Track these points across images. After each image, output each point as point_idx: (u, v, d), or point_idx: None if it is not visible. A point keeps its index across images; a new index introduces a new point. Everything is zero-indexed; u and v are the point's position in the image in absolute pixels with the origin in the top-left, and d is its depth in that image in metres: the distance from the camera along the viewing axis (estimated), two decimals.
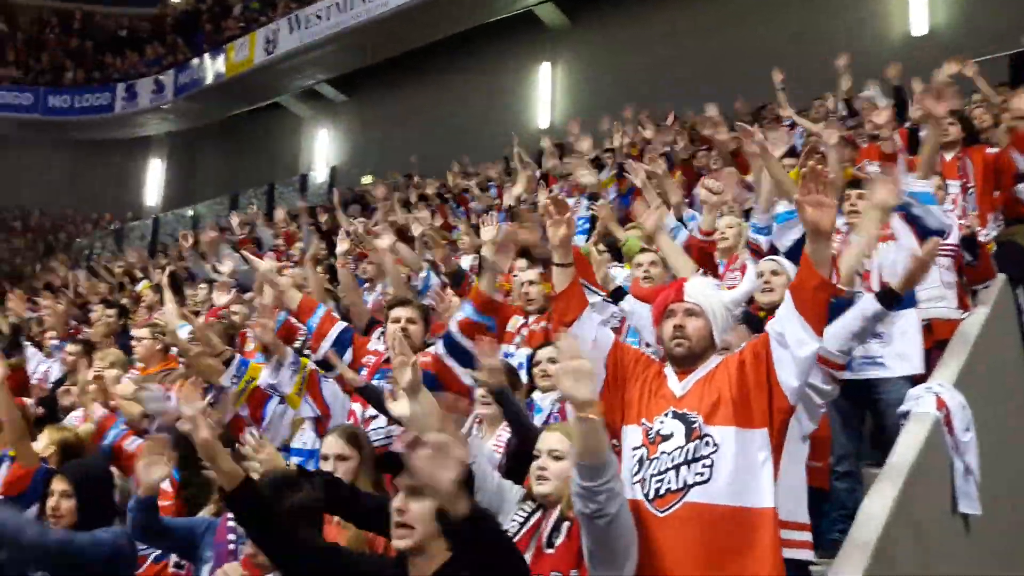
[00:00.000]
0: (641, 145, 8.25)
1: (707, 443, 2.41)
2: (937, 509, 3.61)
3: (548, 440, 2.66)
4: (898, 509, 2.99)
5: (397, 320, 4.14)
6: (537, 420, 3.68)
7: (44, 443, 4.08)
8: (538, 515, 2.61)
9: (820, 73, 8.78)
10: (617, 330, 4.49)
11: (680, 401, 2.53)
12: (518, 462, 3.11)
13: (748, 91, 10.07)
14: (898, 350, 4.05)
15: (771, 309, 3.54)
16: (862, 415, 4.21)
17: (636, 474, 2.47)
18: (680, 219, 5.80)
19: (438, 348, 4.06)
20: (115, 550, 3.15)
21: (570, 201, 7.23)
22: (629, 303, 4.26)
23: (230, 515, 3.13)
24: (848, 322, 3.28)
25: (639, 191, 6.12)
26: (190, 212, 22.68)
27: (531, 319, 4.65)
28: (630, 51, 15.84)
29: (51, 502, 3.25)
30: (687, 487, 2.38)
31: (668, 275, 4.52)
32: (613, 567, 2.30)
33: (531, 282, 4.67)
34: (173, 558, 3.60)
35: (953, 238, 4.80)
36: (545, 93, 17.62)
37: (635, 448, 2.52)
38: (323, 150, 22.20)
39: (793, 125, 8.16)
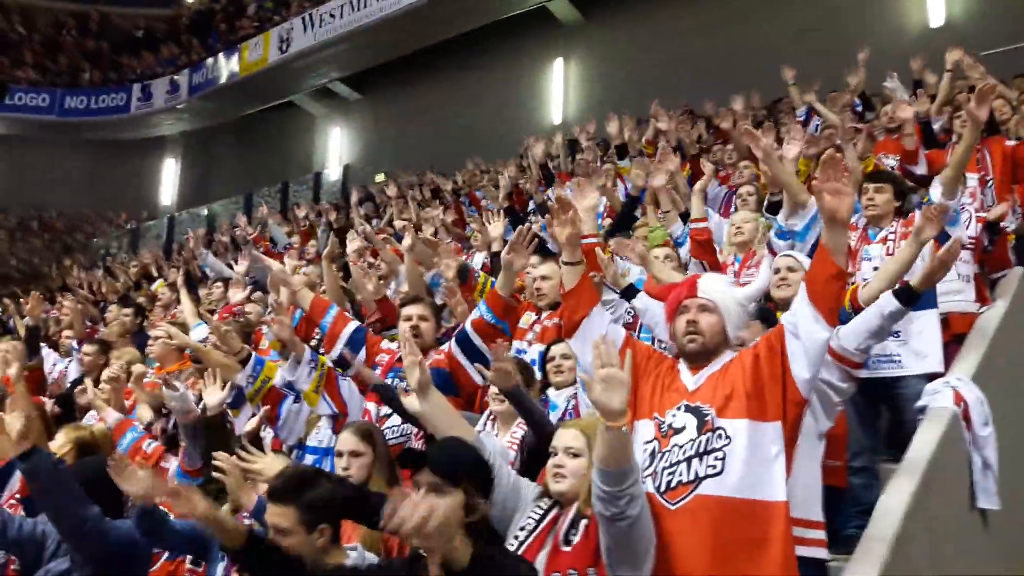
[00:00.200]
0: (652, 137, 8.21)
1: (720, 436, 2.40)
2: (955, 504, 3.58)
3: (564, 437, 2.62)
4: (916, 504, 2.97)
5: (408, 318, 4.14)
6: (552, 417, 3.66)
7: (61, 441, 4.09)
8: (554, 512, 2.56)
9: (836, 67, 8.70)
10: (630, 326, 4.47)
11: (693, 395, 2.52)
12: (533, 459, 3.10)
13: (762, 87, 10.00)
14: (915, 348, 4.01)
15: (787, 306, 3.51)
16: (879, 411, 4.18)
17: (648, 467, 2.46)
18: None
19: (451, 345, 4.06)
20: (133, 539, 3.22)
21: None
22: (642, 300, 4.22)
23: (244, 513, 3.14)
24: (866, 320, 3.26)
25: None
26: (205, 211, 22.79)
27: (543, 315, 4.58)
28: (644, 47, 15.77)
29: None
30: (699, 479, 2.37)
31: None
32: (633, 567, 2.28)
33: (543, 277, 4.57)
34: (188, 556, 3.61)
35: (972, 230, 4.76)
36: (558, 89, 17.56)
37: (647, 442, 2.51)
38: (337, 148, 22.21)
39: (808, 119, 8.10)
